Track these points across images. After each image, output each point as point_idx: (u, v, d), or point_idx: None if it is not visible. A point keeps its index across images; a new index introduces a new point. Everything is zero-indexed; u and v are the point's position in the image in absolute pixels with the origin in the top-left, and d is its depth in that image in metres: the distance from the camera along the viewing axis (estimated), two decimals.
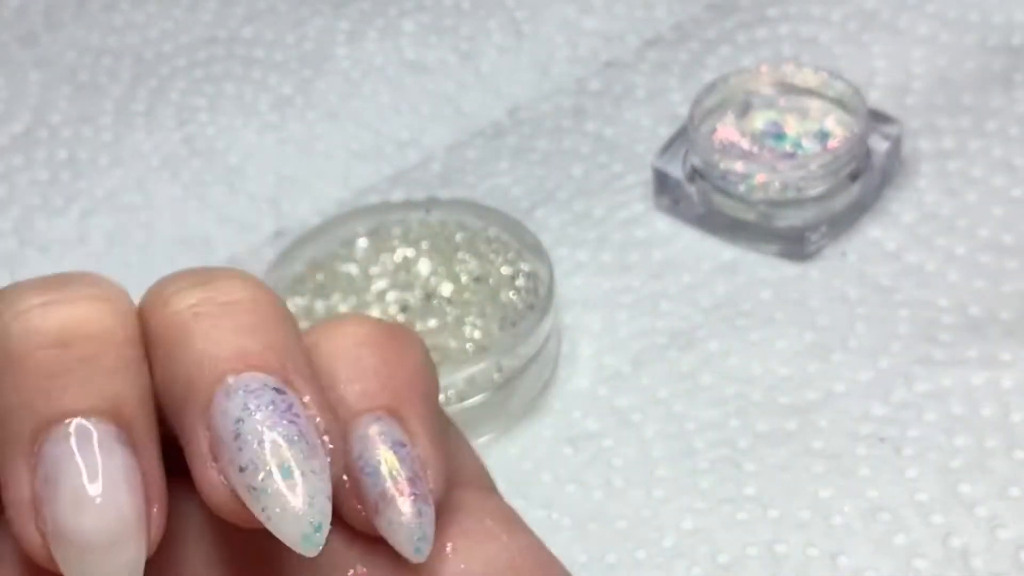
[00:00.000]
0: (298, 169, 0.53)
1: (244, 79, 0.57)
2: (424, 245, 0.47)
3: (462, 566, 0.29)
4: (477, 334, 0.44)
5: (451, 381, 0.43)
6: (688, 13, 0.57)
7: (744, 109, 0.49)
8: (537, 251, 0.46)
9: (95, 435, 0.26)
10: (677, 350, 0.46)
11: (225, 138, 0.54)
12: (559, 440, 0.44)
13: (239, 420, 0.26)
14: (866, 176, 0.48)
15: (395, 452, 0.28)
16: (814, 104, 0.49)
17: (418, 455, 0.29)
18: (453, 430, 0.32)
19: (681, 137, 0.50)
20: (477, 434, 0.44)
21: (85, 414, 0.26)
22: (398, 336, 0.30)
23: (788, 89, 0.50)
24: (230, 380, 0.26)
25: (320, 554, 0.26)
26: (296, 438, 0.26)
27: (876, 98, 0.52)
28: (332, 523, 0.27)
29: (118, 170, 0.54)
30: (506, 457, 0.44)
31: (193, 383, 0.26)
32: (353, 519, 0.28)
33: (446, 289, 0.46)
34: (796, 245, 0.48)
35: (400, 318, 0.45)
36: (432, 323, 0.45)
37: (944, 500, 0.41)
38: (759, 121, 0.49)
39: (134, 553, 0.26)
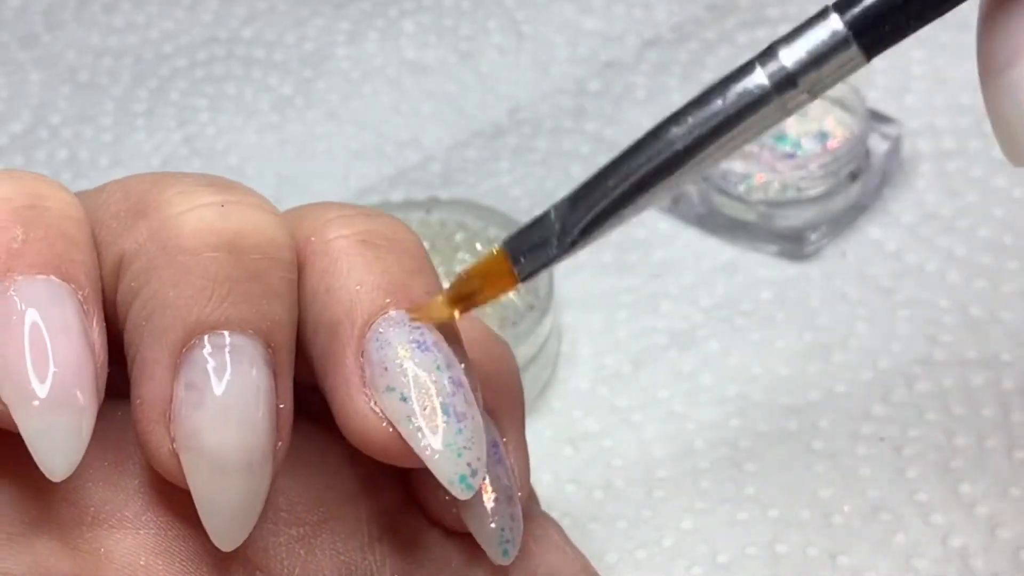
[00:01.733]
0: (298, 169, 0.53)
1: (244, 79, 0.57)
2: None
3: (532, 569, 0.29)
4: None
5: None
6: (688, 13, 0.57)
7: None
8: None
9: (248, 352, 0.25)
10: (677, 350, 0.46)
11: (225, 138, 0.54)
12: (559, 440, 0.44)
13: (404, 352, 0.26)
14: (866, 176, 0.48)
15: (492, 452, 0.28)
16: (814, 104, 0.49)
17: (509, 460, 0.28)
18: None
19: None
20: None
21: (241, 328, 0.25)
22: (502, 344, 0.30)
23: None
24: (394, 313, 0.26)
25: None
26: (459, 383, 0.26)
27: (876, 98, 0.52)
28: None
29: (118, 170, 0.54)
30: None
31: (353, 307, 0.26)
32: (441, 513, 0.28)
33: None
34: (796, 245, 0.48)
35: None
36: None
37: (944, 500, 0.41)
38: None
39: (262, 479, 0.25)
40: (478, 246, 0.47)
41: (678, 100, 0.53)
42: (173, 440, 0.25)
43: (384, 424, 0.26)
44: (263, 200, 0.27)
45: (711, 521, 0.41)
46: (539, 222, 0.28)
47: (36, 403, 0.24)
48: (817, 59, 0.27)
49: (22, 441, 0.25)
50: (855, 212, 0.48)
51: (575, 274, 0.48)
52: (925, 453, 0.42)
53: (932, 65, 0.54)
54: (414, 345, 0.26)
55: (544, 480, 0.43)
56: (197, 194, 0.26)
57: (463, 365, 0.27)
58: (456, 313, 0.27)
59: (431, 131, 0.54)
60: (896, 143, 0.49)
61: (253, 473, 0.25)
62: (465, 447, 0.25)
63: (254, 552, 0.27)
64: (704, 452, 0.43)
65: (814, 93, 0.27)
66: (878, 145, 0.49)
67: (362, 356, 0.26)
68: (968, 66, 0.53)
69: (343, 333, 0.26)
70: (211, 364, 0.25)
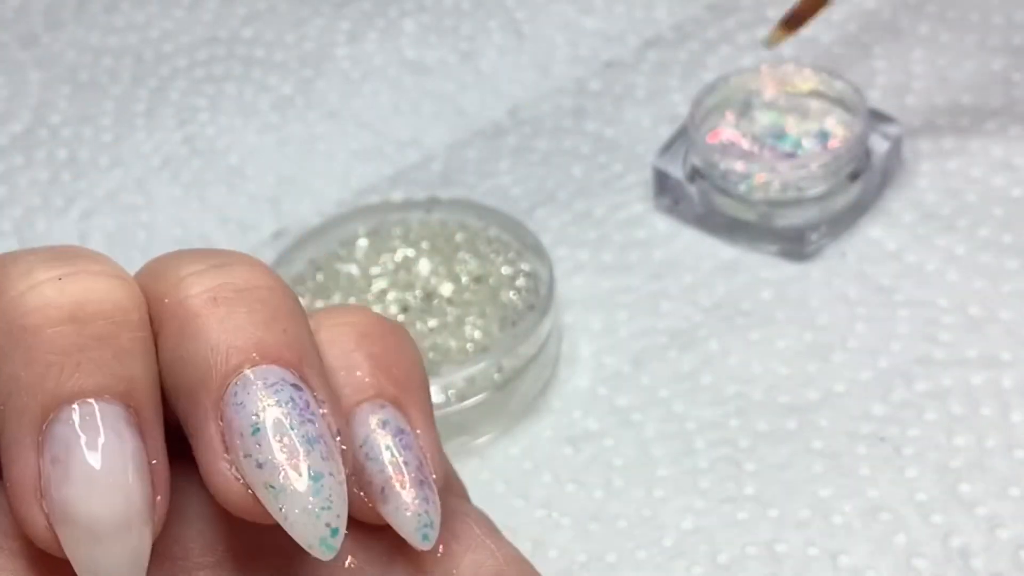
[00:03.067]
0: (298, 169, 0.53)
1: (244, 79, 0.57)
2: (424, 245, 0.47)
3: (453, 571, 0.28)
4: (477, 334, 0.44)
5: (451, 381, 0.43)
6: (688, 13, 0.57)
7: (744, 109, 0.49)
8: (537, 251, 0.46)
9: (108, 417, 0.25)
10: (677, 350, 0.46)
11: (225, 138, 0.54)
12: (559, 440, 0.44)
13: (257, 415, 0.25)
14: (866, 176, 0.48)
15: (399, 439, 0.28)
16: (814, 104, 0.49)
17: (421, 444, 0.28)
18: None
19: (681, 137, 0.50)
20: (477, 434, 0.44)
21: (98, 395, 0.25)
22: (397, 330, 0.30)
23: (788, 89, 0.50)
24: (248, 372, 0.26)
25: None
26: (315, 439, 0.26)
27: (876, 98, 0.52)
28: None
29: (118, 170, 0.54)
30: (506, 457, 0.44)
31: (208, 372, 0.26)
32: (357, 508, 0.27)
33: (446, 289, 0.45)
34: (796, 245, 0.48)
35: (400, 318, 0.45)
36: (432, 323, 0.45)
37: (944, 500, 0.41)
38: (759, 121, 0.49)
39: (141, 540, 0.25)
40: (479, 246, 0.47)
41: (678, 100, 0.53)
42: (47, 516, 0.25)
43: (245, 490, 0.26)
44: (107, 266, 0.27)
45: (711, 521, 0.41)
46: None
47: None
48: None
49: None
50: (855, 212, 0.48)
51: (575, 274, 0.48)
52: (925, 453, 0.42)
53: (932, 65, 0.54)
54: (270, 404, 0.26)
55: (544, 480, 0.43)
56: (35, 271, 0.26)
57: (323, 412, 0.26)
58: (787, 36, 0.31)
59: (431, 131, 0.54)
60: (896, 143, 0.49)
61: (131, 535, 0.25)
62: (323, 508, 0.25)
63: None
64: (704, 452, 0.43)
65: None
66: (878, 145, 0.49)
67: (222, 420, 0.26)
68: (968, 66, 0.53)
69: (201, 401, 0.26)
70: (71, 436, 0.25)
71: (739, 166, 0.47)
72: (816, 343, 0.45)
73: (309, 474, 0.25)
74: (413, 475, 0.28)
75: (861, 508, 0.41)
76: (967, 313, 0.46)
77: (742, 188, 0.48)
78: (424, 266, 0.46)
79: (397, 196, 0.51)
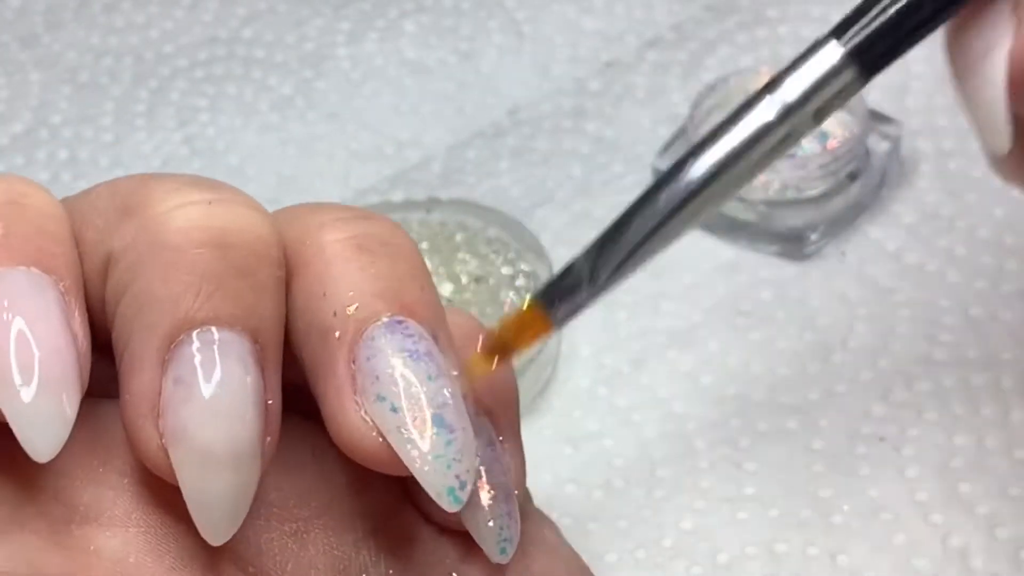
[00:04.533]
0: (298, 169, 0.53)
1: (244, 79, 0.57)
2: (424, 245, 0.47)
3: (527, 564, 0.29)
4: None
5: None
6: (688, 13, 0.57)
7: None
8: (537, 251, 0.46)
9: (236, 348, 0.25)
10: (677, 350, 0.46)
11: (225, 138, 0.54)
12: (559, 440, 0.44)
13: (397, 361, 0.25)
14: (866, 176, 0.48)
15: (489, 450, 0.28)
16: None
17: (505, 459, 0.28)
18: None
19: (681, 137, 0.50)
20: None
21: (231, 324, 0.25)
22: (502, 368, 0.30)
23: None
24: (385, 319, 0.26)
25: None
26: (452, 393, 0.26)
27: (876, 98, 0.52)
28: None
29: (119, 170, 0.54)
30: None
31: (345, 314, 0.26)
32: (437, 511, 0.27)
33: (446, 289, 0.45)
34: (796, 245, 0.48)
35: None
36: None
37: (944, 499, 0.41)
38: None
39: (250, 474, 0.25)
40: (479, 246, 0.47)
41: (678, 100, 0.53)
42: (162, 435, 0.25)
43: (374, 434, 0.25)
44: (251, 199, 0.27)
45: (711, 521, 0.41)
46: (568, 271, 0.30)
47: (18, 387, 0.24)
48: (819, 86, 0.29)
49: (8, 437, 0.25)
50: (855, 212, 0.48)
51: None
52: (925, 453, 0.42)
53: (932, 65, 0.53)
54: (406, 354, 0.26)
55: (544, 480, 0.43)
56: (184, 192, 0.26)
57: (456, 374, 0.27)
58: (494, 366, 0.28)
59: (431, 131, 0.54)
60: (896, 143, 0.49)
61: (241, 467, 0.25)
62: (455, 459, 0.25)
63: (246, 548, 0.27)
64: (704, 452, 0.43)
65: (819, 118, 0.29)
66: (878, 145, 0.49)
67: (353, 364, 0.26)
68: None
69: (334, 339, 0.26)
70: (199, 359, 0.25)
71: None
72: (816, 343, 0.45)
73: (444, 424, 0.25)
74: (499, 493, 0.28)
75: (861, 508, 0.41)
76: (967, 313, 0.46)
77: None
78: None
79: (397, 196, 0.51)
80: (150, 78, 0.57)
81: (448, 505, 0.25)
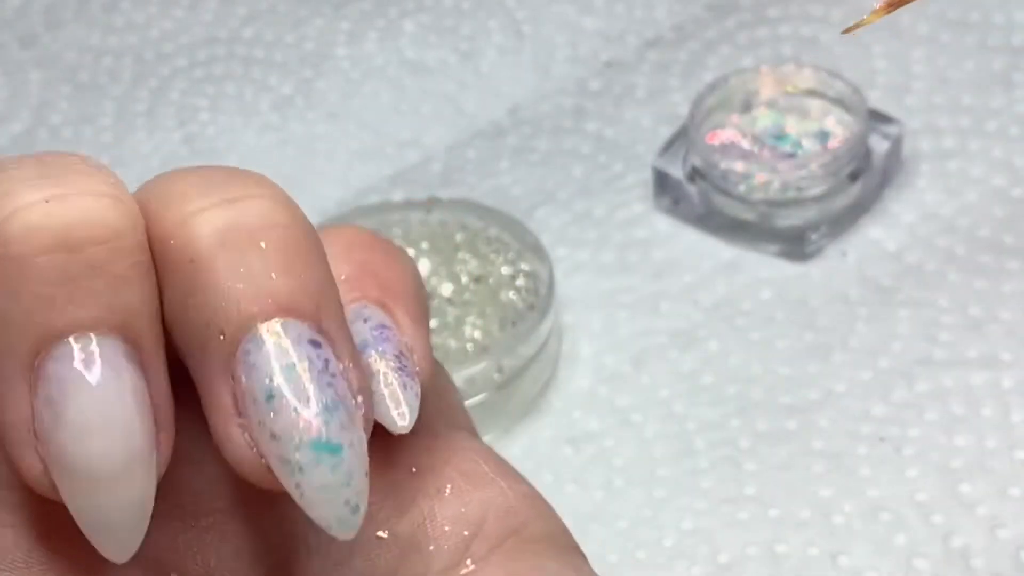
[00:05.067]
0: (298, 169, 0.53)
1: (244, 79, 0.56)
2: (424, 245, 0.47)
3: (462, 509, 0.27)
4: (477, 334, 0.44)
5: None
6: (688, 13, 0.57)
7: (744, 109, 0.49)
8: (537, 251, 0.46)
9: (105, 352, 0.23)
10: (677, 350, 0.46)
11: (225, 138, 0.54)
12: (559, 440, 0.44)
13: (271, 378, 0.23)
14: (866, 176, 0.48)
15: (380, 332, 0.26)
16: (814, 104, 0.49)
17: (404, 339, 0.27)
18: (446, 376, 0.30)
19: (681, 137, 0.50)
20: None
21: (92, 328, 0.23)
22: (392, 247, 0.29)
23: (788, 89, 0.50)
24: (261, 328, 0.24)
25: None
26: (334, 405, 0.23)
27: (876, 98, 0.52)
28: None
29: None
30: (506, 457, 0.43)
31: (214, 329, 0.24)
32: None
33: (446, 289, 0.45)
34: (796, 245, 0.48)
35: None
36: (432, 323, 0.45)
37: (944, 500, 0.41)
38: (759, 121, 0.49)
39: (143, 484, 0.23)
40: (479, 246, 0.47)
41: (679, 100, 0.53)
42: (44, 461, 0.23)
43: (259, 459, 0.24)
44: (100, 182, 0.25)
45: (712, 521, 0.41)
46: None
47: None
48: None
49: None
50: (855, 212, 0.48)
51: (576, 274, 0.48)
52: (925, 453, 0.42)
53: (932, 65, 0.54)
54: (282, 366, 0.23)
55: (544, 480, 0.43)
56: (19, 194, 0.24)
57: (342, 365, 0.24)
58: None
59: (431, 131, 0.54)
60: (896, 143, 0.49)
61: (133, 478, 0.23)
62: (343, 484, 0.23)
63: (165, 553, 0.25)
64: (704, 452, 0.43)
65: None
66: (878, 145, 0.49)
67: (234, 379, 0.24)
68: (968, 66, 0.53)
69: (211, 356, 0.24)
70: (64, 374, 0.23)
71: (739, 166, 0.47)
72: (816, 343, 0.45)
73: (327, 447, 0.23)
74: (392, 363, 0.26)
75: (861, 508, 0.41)
76: (967, 313, 0.46)
77: (742, 188, 0.48)
78: (424, 266, 0.46)
79: (397, 196, 0.51)
80: (150, 78, 0.57)
81: (341, 535, 0.24)
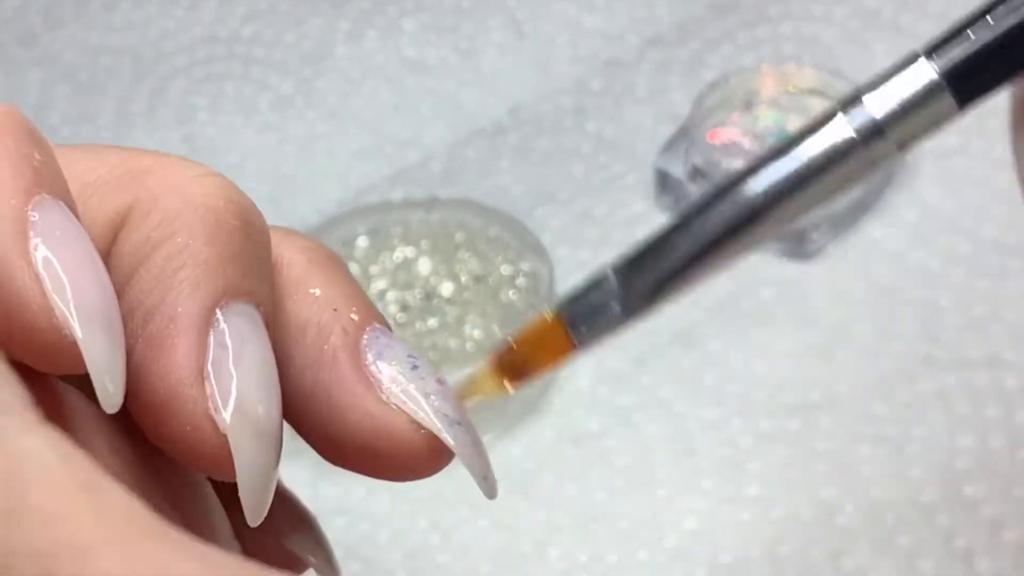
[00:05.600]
0: (298, 168, 0.53)
1: (244, 78, 0.56)
2: (424, 245, 0.47)
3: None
4: (477, 334, 0.44)
5: (451, 381, 0.43)
6: (689, 12, 0.57)
7: (745, 108, 0.49)
8: (537, 251, 0.46)
9: (262, 324, 0.25)
10: (679, 350, 0.46)
11: (225, 137, 0.54)
12: (560, 440, 0.44)
13: (400, 368, 0.26)
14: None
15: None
16: (815, 103, 0.49)
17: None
18: None
19: (682, 136, 0.50)
20: (478, 434, 0.44)
21: (259, 301, 0.25)
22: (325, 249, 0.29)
23: (789, 88, 0.50)
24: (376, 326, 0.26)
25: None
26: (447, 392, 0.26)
27: None
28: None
29: None
30: (508, 457, 0.43)
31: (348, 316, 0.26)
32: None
33: (446, 289, 0.45)
34: (798, 244, 0.48)
35: (400, 317, 0.45)
36: (432, 323, 0.44)
37: (947, 501, 0.41)
38: (760, 120, 0.49)
39: (279, 450, 0.24)
40: (479, 245, 0.47)
41: (679, 99, 0.53)
42: (208, 400, 0.24)
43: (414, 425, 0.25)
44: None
45: (713, 521, 0.41)
46: (596, 284, 0.26)
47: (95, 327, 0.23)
48: (908, 108, 0.25)
49: None
50: (857, 211, 0.48)
51: (576, 273, 0.48)
52: (928, 453, 0.42)
53: None
54: (409, 361, 0.26)
55: (545, 480, 0.43)
56: (198, 166, 0.26)
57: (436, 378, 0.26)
58: (509, 388, 0.26)
59: (431, 130, 0.54)
60: None
61: (278, 439, 0.24)
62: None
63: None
64: (706, 452, 0.43)
65: (903, 146, 0.25)
66: None
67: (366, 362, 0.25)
68: None
69: (346, 345, 0.25)
70: (245, 329, 0.24)
71: (740, 165, 0.47)
72: (818, 343, 0.45)
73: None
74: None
75: (864, 509, 0.41)
76: (970, 313, 0.45)
77: None
78: (424, 266, 0.46)
79: (397, 196, 0.51)
80: (149, 77, 0.57)
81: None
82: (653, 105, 0.54)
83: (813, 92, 0.49)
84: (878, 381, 0.44)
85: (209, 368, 0.24)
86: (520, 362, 0.26)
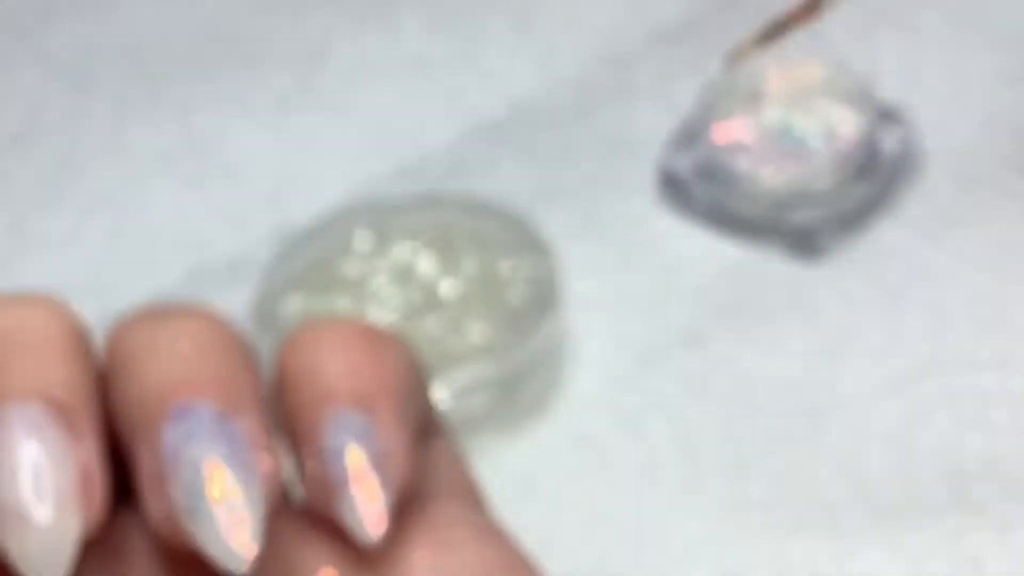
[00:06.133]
0: (298, 167, 0.53)
1: (243, 76, 0.56)
2: (425, 243, 0.47)
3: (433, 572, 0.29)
4: (477, 334, 0.44)
5: (451, 381, 0.43)
6: (694, 8, 0.57)
7: (751, 105, 0.49)
8: (540, 249, 0.46)
9: (28, 417, 0.26)
10: (684, 350, 0.45)
11: (224, 135, 0.54)
12: (563, 441, 0.44)
13: (178, 445, 0.27)
14: (875, 173, 0.48)
15: (358, 441, 0.28)
16: (822, 100, 0.49)
17: (382, 447, 0.29)
18: (443, 444, 0.32)
19: (686, 134, 0.50)
20: (479, 435, 0.44)
21: (25, 398, 0.26)
22: (381, 339, 0.30)
23: (796, 85, 0.49)
24: (173, 407, 0.27)
25: (280, 559, 0.27)
26: (231, 462, 0.27)
27: (886, 95, 0.52)
28: (293, 525, 0.28)
29: (116, 169, 0.54)
30: (509, 458, 0.43)
31: (143, 410, 0.27)
32: (317, 507, 0.28)
33: (446, 287, 0.45)
34: (804, 243, 0.48)
35: (400, 317, 0.45)
36: (432, 323, 0.45)
37: (955, 502, 0.41)
38: (766, 117, 0.49)
39: (68, 530, 0.26)
40: (480, 244, 0.47)
41: (683, 96, 0.53)
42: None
43: (170, 516, 0.27)
44: (41, 299, 0.29)
45: (718, 524, 0.41)
46: None
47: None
48: None
49: None
50: (864, 209, 0.48)
51: (580, 273, 0.48)
52: (935, 455, 0.42)
53: (944, 61, 0.53)
54: (189, 436, 0.27)
55: (548, 482, 0.43)
56: None
57: (247, 427, 0.28)
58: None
59: (433, 127, 0.54)
60: (905, 140, 0.49)
61: (57, 524, 0.26)
62: (236, 526, 0.27)
63: None
64: (711, 453, 0.43)
65: None
66: (887, 142, 0.49)
67: (155, 456, 0.27)
68: (979, 62, 0.53)
69: (138, 437, 0.27)
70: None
71: (746, 163, 0.47)
72: (825, 344, 0.45)
73: (221, 496, 0.27)
74: (365, 474, 0.28)
75: (871, 512, 0.41)
76: (978, 314, 0.45)
77: (749, 185, 0.47)
78: (425, 264, 0.46)
79: (398, 193, 0.51)
80: (148, 75, 0.57)
81: (233, 570, 0.26)
82: (657, 102, 0.53)
83: (820, 88, 0.49)
84: (885, 382, 0.44)
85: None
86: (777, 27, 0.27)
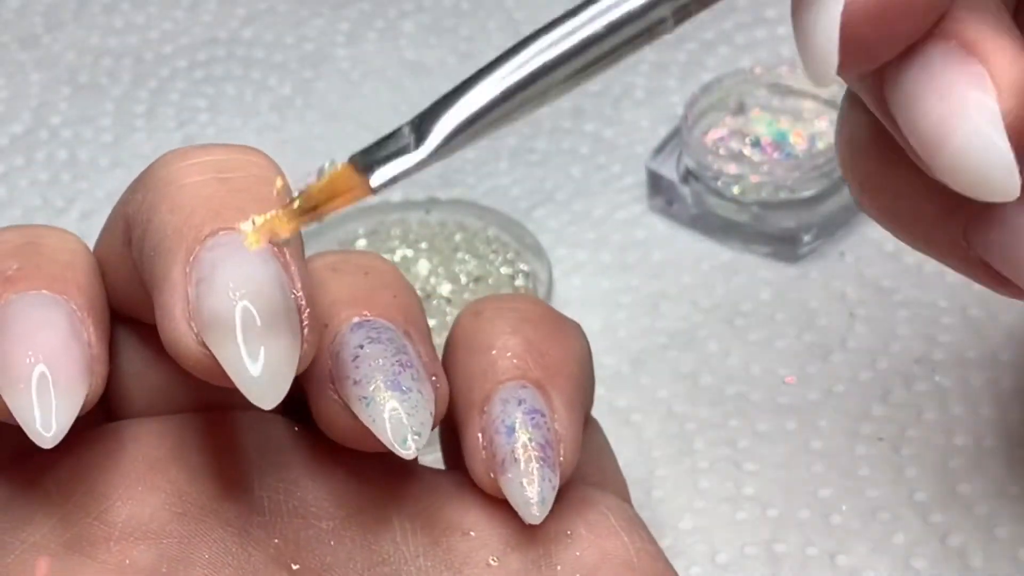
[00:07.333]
0: (298, 169, 0.53)
1: (244, 80, 0.56)
2: (423, 245, 0.47)
3: (577, 553, 0.29)
4: None
5: None
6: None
7: (738, 110, 0.49)
8: (536, 251, 0.46)
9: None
10: (677, 350, 0.46)
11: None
12: None
13: (360, 346, 0.28)
14: None
15: (532, 418, 0.29)
16: (808, 105, 0.49)
17: (554, 427, 0.29)
18: (601, 438, 0.33)
19: (675, 138, 0.50)
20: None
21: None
22: (563, 322, 0.31)
23: (782, 90, 0.50)
24: (356, 319, 0.29)
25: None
26: (407, 363, 0.28)
27: None
28: (448, 483, 0.29)
29: (119, 171, 0.54)
30: None
31: (330, 317, 0.29)
32: (481, 479, 0.29)
33: (446, 289, 0.45)
34: (789, 247, 0.48)
35: None
36: (432, 323, 0.45)
37: (943, 499, 0.41)
38: (753, 122, 0.49)
39: (293, 339, 0.26)
40: (478, 246, 0.47)
41: (677, 100, 0.53)
42: (197, 332, 0.26)
43: (344, 409, 0.28)
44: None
45: (710, 521, 0.41)
46: (392, 136, 0.28)
47: (21, 385, 0.26)
48: None
49: (57, 467, 0.28)
50: (849, 213, 0.48)
51: (574, 274, 0.48)
52: (924, 453, 0.42)
53: None
54: (371, 340, 0.29)
55: None
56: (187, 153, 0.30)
57: (420, 350, 0.29)
58: (297, 226, 0.28)
59: None
60: None
61: (282, 332, 0.26)
62: (408, 413, 0.28)
63: (284, 545, 0.29)
64: (703, 452, 0.43)
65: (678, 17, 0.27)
66: None
67: (332, 359, 0.29)
68: None
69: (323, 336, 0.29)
70: (214, 257, 0.27)
71: (732, 167, 0.47)
72: (815, 343, 0.45)
73: (395, 386, 0.28)
74: (536, 452, 0.28)
75: (860, 508, 0.41)
76: (967, 314, 0.46)
77: (735, 190, 0.48)
78: (423, 266, 0.46)
79: (396, 196, 0.51)
80: (149, 79, 0.57)
81: (402, 453, 0.27)
82: (651, 107, 0.54)
83: (806, 94, 0.49)
84: (874, 381, 0.44)
85: (191, 307, 0.27)
86: (314, 203, 0.29)
